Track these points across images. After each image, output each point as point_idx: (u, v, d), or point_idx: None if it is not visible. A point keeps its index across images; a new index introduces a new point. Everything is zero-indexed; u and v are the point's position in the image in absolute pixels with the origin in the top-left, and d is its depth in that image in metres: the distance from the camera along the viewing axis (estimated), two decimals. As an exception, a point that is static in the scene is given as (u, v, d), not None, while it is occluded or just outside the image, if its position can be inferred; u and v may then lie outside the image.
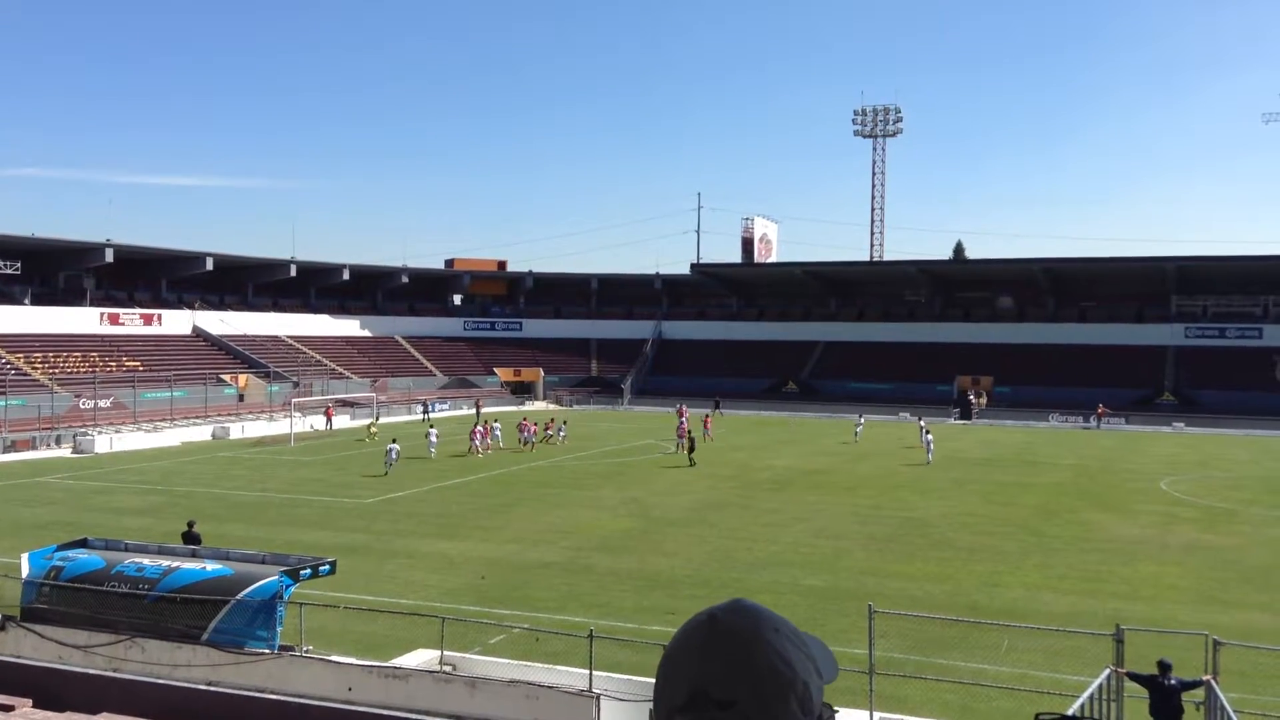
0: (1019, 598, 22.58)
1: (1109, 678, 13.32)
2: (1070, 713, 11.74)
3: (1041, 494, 38.01)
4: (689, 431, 48.22)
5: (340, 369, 78.15)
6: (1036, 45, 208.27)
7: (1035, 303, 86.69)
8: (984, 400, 76.31)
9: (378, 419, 58.46)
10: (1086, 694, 12.42)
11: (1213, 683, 12.98)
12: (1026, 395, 75.03)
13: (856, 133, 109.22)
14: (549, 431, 53.35)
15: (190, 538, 21.96)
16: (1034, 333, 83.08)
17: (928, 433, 50.56)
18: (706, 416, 60.21)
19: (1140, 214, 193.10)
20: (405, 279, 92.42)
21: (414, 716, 13.19)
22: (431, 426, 51.81)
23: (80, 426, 53.43)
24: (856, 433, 58.34)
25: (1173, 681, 12.87)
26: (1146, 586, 23.75)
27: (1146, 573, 25.15)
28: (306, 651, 16.19)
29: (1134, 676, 13.31)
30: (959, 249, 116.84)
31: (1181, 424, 67.87)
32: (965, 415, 74.27)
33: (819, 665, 1.54)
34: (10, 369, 58.09)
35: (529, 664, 15.99)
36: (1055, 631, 17.43)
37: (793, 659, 1.47)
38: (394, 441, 43.34)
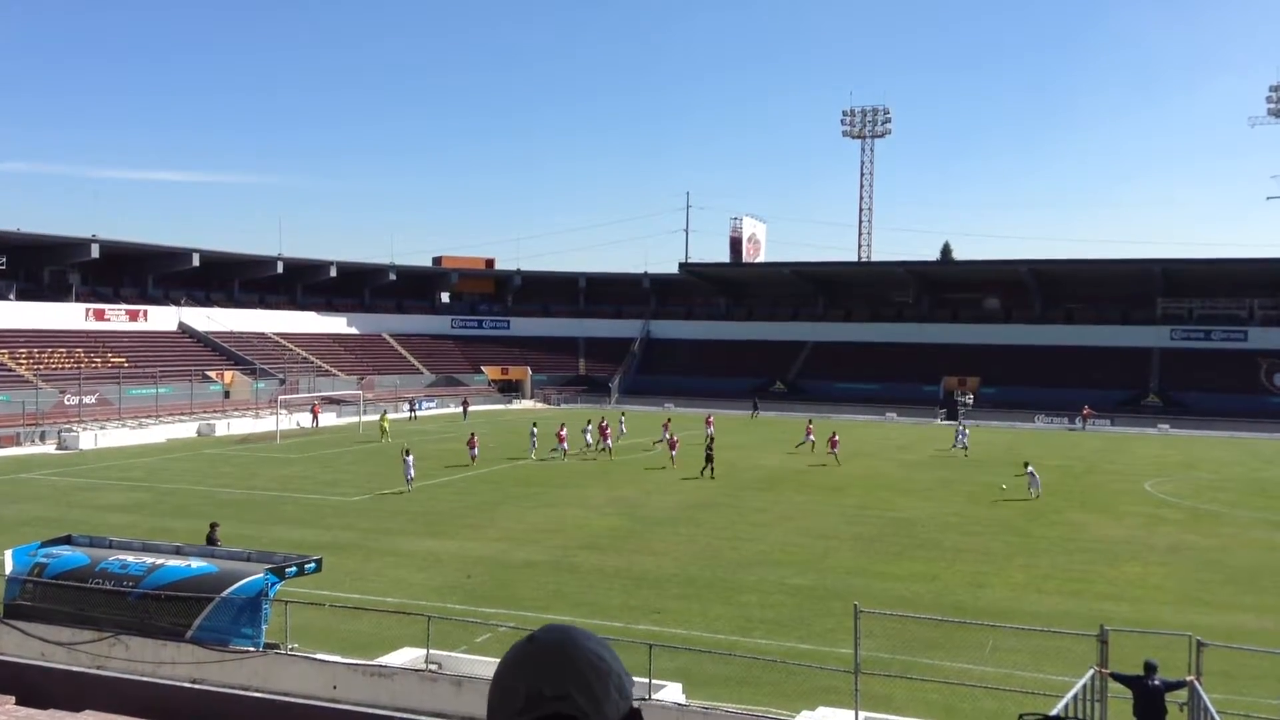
0: (1004, 598, 22.66)
1: (1093, 678, 13.36)
2: (1054, 713, 11.77)
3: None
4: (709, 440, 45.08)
5: (327, 366, 77.93)
6: (1024, 47, 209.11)
7: (1022, 304, 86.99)
8: (970, 401, 76.50)
9: (385, 415, 57.67)
10: (1071, 694, 12.46)
11: (1196, 683, 13.03)
12: (1013, 396, 75.31)
13: (845, 133, 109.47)
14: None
15: (211, 541, 21.61)
16: (1020, 334, 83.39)
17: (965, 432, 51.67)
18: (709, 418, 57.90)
19: (1127, 216, 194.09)
20: (393, 276, 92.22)
21: (399, 715, 13.16)
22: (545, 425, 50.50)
23: (65, 423, 53.15)
24: (963, 442, 51.69)
25: (1157, 682, 12.91)
26: (1131, 587, 23.86)
27: (1131, 573, 25.27)
28: (292, 650, 16.15)
29: (1118, 677, 13.35)
30: (946, 250, 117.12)
31: (1166, 426, 68.18)
32: (952, 416, 74.45)
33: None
34: (-6, 364, 57.76)
35: (515, 663, 15.93)
36: (1040, 632, 17.49)
37: (605, 655, 1.71)
38: (408, 453, 37.40)
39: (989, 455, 51.52)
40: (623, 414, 60.82)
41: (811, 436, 50.76)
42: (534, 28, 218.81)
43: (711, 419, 57.04)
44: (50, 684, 13.47)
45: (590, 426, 50.94)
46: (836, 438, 47.25)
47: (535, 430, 49.27)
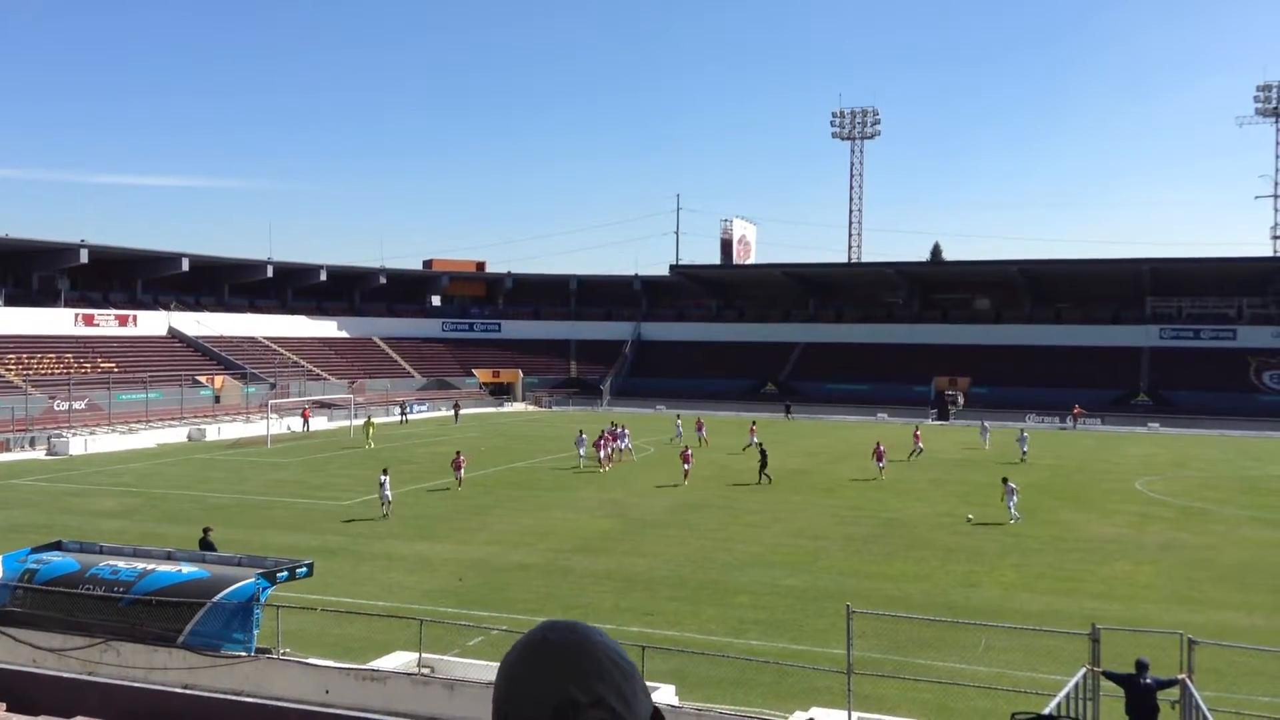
0: (996, 597, 22.70)
1: (1085, 677, 13.40)
2: (1046, 712, 11.80)
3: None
4: (759, 445, 43.20)
5: (317, 370, 77.75)
6: (1012, 48, 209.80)
7: (1012, 304, 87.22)
8: (961, 401, 76.65)
9: (370, 420, 56.10)
10: (1063, 693, 12.49)
11: (1188, 681, 13.08)
12: (1003, 396, 75.45)
13: (834, 135, 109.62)
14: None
15: (205, 545, 21.55)
16: (1011, 334, 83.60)
17: (1023, 435, 50.43)
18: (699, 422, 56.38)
19: (1116, 216, 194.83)
20: (383, 280, 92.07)
21: (392, 719, 13.14)
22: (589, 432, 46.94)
23: (55, 428, 52.95)
24: (1023, 449, 49.40)
25: (1148, 680, 12.95)
26: (1122, 586, 23.93)
27: (1122, 572, 25.34)
28: (284, 654, 16.10)
29: (1110, 675, 13.39)
30: (936, 250, 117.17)
31: (1156, 424, 68.44)
32: (943, 416, 74.62)
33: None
34: (-17, 370, 57.50)
35: (508, 666, 15.90)
36: (1032, 631, 17.53)
37: (623, 653, 1.61)
38: (385, 474, 33.17)
39: (985, 456, 51.64)
40: (678, 417, 58.82)
41: (920, 444, 49.11)
42: (525, 31, 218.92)
43: (755, 426, 54.10)
44: (40, 690, 13.41)
45: (625, 432, 48.63)
46: (883, 448, 42.81)
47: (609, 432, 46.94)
